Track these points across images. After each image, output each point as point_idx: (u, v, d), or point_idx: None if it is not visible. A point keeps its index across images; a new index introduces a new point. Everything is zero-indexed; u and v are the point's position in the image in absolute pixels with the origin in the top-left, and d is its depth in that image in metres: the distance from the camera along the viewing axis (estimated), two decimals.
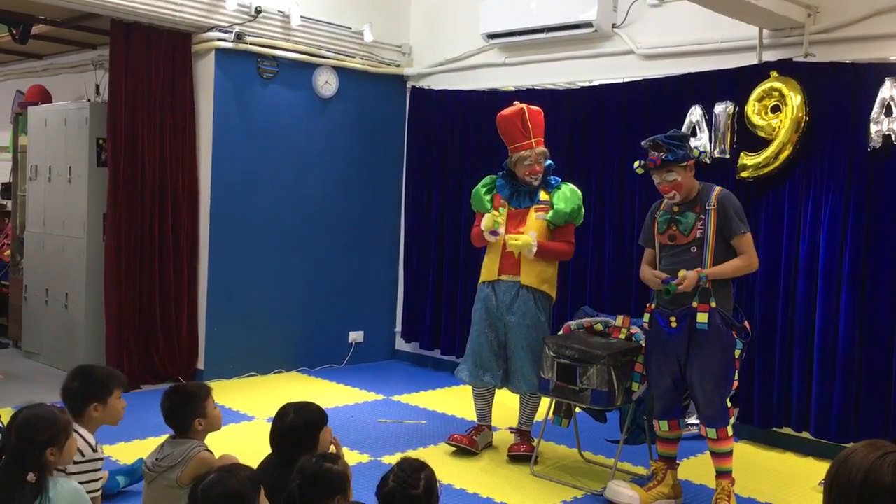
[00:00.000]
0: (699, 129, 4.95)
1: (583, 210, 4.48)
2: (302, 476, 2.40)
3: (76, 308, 6.00)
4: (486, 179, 4.61)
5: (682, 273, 3.67)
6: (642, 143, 3.84)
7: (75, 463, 2.97)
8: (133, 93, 5.59)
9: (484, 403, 4.63)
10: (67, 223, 6.12)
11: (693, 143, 4.61)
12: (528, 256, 4.33)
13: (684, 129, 4.91)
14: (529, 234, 4.32)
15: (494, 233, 4.40)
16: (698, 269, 3.66)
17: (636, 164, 3.87)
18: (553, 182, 4.47)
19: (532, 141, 4.39)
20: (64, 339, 6.11)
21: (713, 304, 3.65)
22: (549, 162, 4.48)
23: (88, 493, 2.98)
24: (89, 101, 6.20)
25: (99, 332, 5.80)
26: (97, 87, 6.48)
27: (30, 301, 6.53)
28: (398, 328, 6.89)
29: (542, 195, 4.44)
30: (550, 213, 4.39)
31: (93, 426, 3.11)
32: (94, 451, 3.04)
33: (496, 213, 4.44)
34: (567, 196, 4.40)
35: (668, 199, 3.79)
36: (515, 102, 4.51)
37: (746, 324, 3.79)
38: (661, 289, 3.74)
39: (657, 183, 3.78)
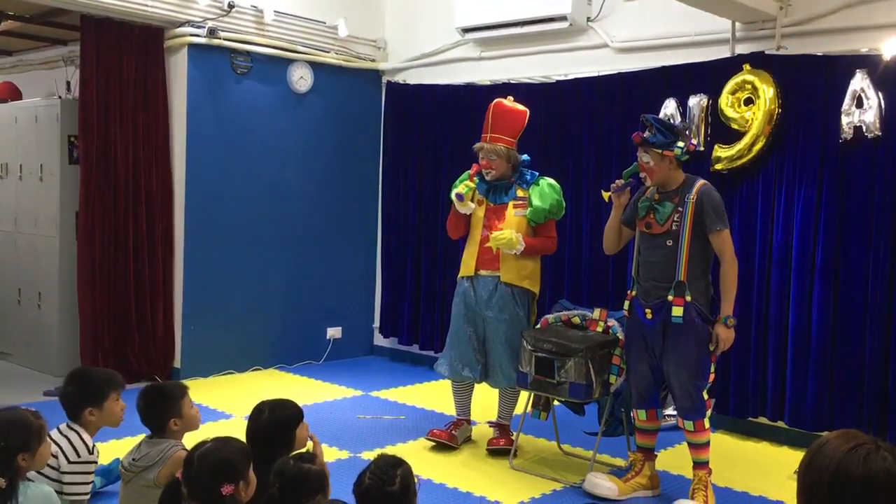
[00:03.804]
0: (673, 121, 4.97)
1: (563, 203, 4.47)
2: (282, 478, 2.40)
3: (49, 307, 5.93)
4: (463, 177, 4.60)
5: (717, 340, 3.67)
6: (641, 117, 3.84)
7: (70, 462, 2.94)
8: (105, 89, 5.52)
9: (463, 398, 4.64)
10: (39, 222, 6.04)
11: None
12: (510, 254, 4.33)
13: None
14: (513, 232, 4.30)
15: (459, 196, 4.40)
16: (718, 318, 3.66)
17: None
18: (529, 177, 4.46)
19: (487, 136, 4.40)
20: (37, 340, 6.04)
21: (688, 298, 3.66)
22: (524, 156, 4.48)
23: (78, 494, 2.96)
24: (60, 97, 6.12)
25: (73, 332, 5.73)
26: (68, 83, 6.40)
27: (2, 301, 6.44)
28: (376, 324, 6.87)
29: (519, 191, 4.44)
30: (529, 210, 4.38)
31: (91, 429, 3.07)
32: (91, 452, 3.01)
33: (470, 182, 4.45)
34: (545, 192, 4.40)
35: (640, 178, 3.80)
36: (509, 97, 4.52)
37: None
38: (626, 180, 3.80)
39: (639, 161, 3.80)
